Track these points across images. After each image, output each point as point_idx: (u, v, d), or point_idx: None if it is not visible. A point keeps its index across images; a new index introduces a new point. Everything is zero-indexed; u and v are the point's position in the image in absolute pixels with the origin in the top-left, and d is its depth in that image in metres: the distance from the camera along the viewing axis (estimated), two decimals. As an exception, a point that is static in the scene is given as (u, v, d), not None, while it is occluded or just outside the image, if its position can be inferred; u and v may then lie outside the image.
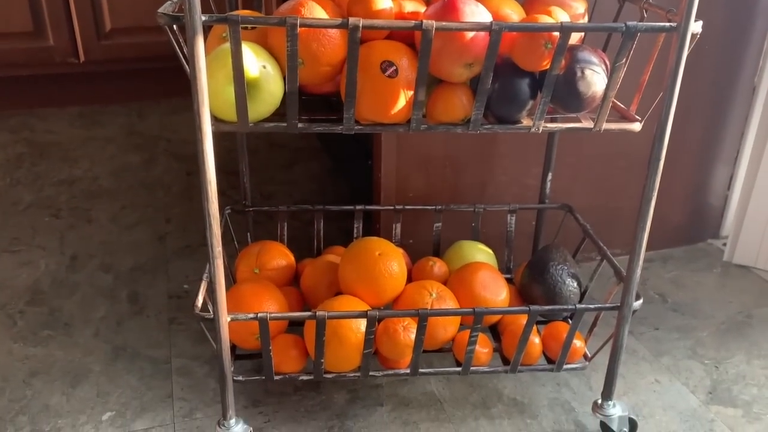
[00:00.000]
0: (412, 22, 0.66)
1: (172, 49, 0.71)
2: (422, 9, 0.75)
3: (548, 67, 0.70)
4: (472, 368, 0.88)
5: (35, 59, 1.85)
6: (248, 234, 1.07)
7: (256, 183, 1.57)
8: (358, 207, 1.05)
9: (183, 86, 0.66)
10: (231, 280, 1.00)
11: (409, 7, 0.75)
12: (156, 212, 1.45)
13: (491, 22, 0.66)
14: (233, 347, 0.90)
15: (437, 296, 0.88)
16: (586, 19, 0.83)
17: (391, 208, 1.06)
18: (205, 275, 0.86)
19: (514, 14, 0.76)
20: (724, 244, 1.33)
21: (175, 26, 0.66)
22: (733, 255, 1.30)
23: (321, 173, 1.65)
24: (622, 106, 0.82)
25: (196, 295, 0.84)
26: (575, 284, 0.94)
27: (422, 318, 0.81)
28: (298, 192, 1.56)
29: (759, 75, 1.24)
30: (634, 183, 1.26)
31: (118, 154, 1.71)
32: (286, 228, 1.05)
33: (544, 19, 0.70)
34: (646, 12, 0.80)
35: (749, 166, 1.26)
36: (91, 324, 1.10)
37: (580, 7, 0.82)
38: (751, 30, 1.20)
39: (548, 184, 1.08)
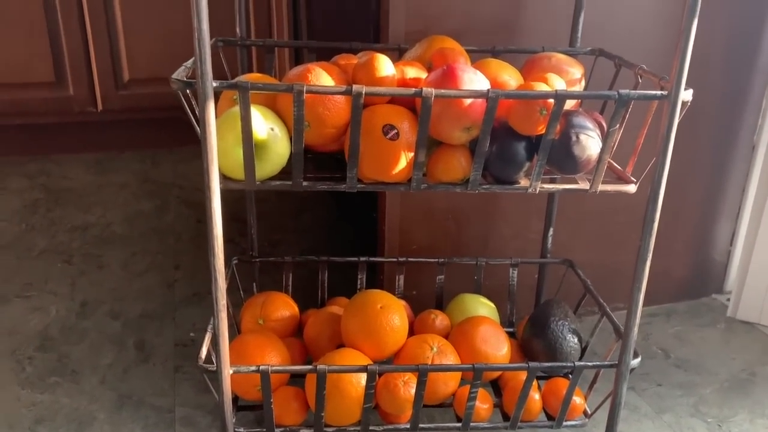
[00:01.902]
0: (413, 90, 0.70)
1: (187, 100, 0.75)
2: (423, 75, 0.79)
3: (544, 131, 0.73)
4: (472, 424, 0.89)
5: (55, 108, 1.91)
6: (254, 284, 1.09)
7: (265, 230, 1.59)
8: (362, 258, 1.07)
9: (196, 135, 0.69)
10: (236, 329, 1.02)
11: (411, 73, 0.78)
12: (166, 259, 1.47)
13: (488, 90, 0.70)
14: (235, 398, 0.91)
15: (438, 351, 0.90)
16: (582, 84, 0.86)
17: (395, 260, 1.08)
18: (209, 327, 0.88)
19: (512, 80, 0.80)
20: (728, 300, 1.34)
21: (187, 90, 0.69)
22: (737, 311, 1.30)
23: (328, 221, 1.67)
24: (618, 167, 0.85)
25: (201, 345, 0.86)
26: (576, 340, 0.95)
27: (422, 373, 0.82)
28: (305, 240, 1.58)
29: (758, 133, 1.27)
30: (635, 238, 1.26)
31: (132, 201, 1.75)
32: (291, 278, 1.07)
33: (540, 87, 0.73)
34: (641, 78, 0.84)
35: (750, 222, 1.27)
36: (98, 371, 1.11)
37: (577, 73, 0.85)
38: (750, 89, 1.23)
39: (549, 239, 1.10)
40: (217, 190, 0.70)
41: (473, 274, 1.09)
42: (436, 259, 1.08)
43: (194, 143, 2.29)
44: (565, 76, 0.83)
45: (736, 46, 1.19)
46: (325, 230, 1.63)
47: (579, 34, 0.98)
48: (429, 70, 0.81)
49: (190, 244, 1.54)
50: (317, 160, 0.87)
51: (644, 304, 0.82)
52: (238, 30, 0.96)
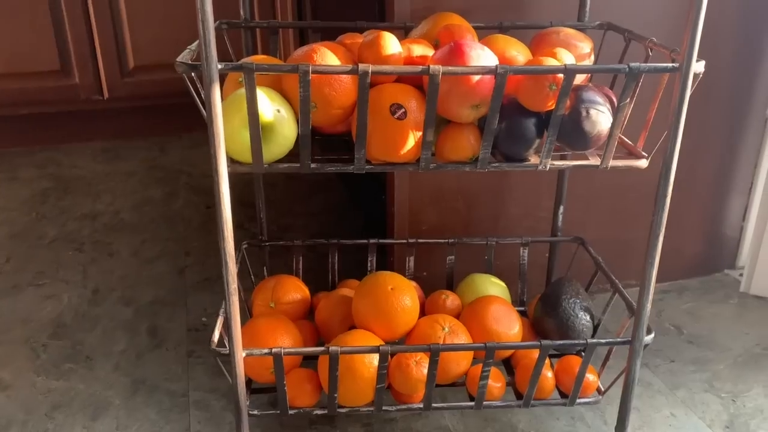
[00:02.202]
0: (419, 68, 0.69)
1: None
2: (430, 52, 0.78)
3: (553, 107, 0.72)
4: (485, 403, 0.89)
5: (61, 97, 1.91)
6: (264, 268, 1.09)
7: (274, 215, 1.59)
8: (372, 241, 1.07)
9: (203, 121, 0.69)
10: (247, 313, 1.02)
11: (418, 50, 0.77)
12: (176, 245, 1.48)
13: (496, 66, 0.69)
14: (249, 381, 0.92)
15: (450, 330, 0.89)
16: (592, 59, 0.85)
17: (404, 241, 1.08)
18: (221, 311, 0.88)
19: (520, 56, 0.79)
20: (741, 275, 1.33)
21: (193, 74, 0.69)
22: (750, 286, 1.29)
23: (337, 204, 1.67)
24: (629, 142, 0.83)
25: (213, 329, 0.86)
26: (588, 317, 0.95)
27: (434, 353, 0.82)
28: (315, 223, 1.58)
29: (771, 106, 1.25)
30: (646, 214, 1.25)
31: (140, 189, 1.75)
32: (301, 261, 1.07)
33: (549, 62, 0.72)
34: (651, 51, 0.82)
35: (763, 196, 1.25)
36: (111, 357, 1.12)
37: (586, 47, 0.84)
38: (762, 62, 1.21)
39: (560, 217, 1.09)
40: (224, 174, 0.69)
41: (484, 254, 1.09)
42: (446, 240, 1.07)
43: (201, 128, 2.29)
44: (574, 51, 0.82)
45: (749, 12, 1.17)
46: (334, 214, 1.63)
47: (587, 8, 0.96)
48: (436, 47, 0.80)
49: (200, 230, 1.54)
50: (325, 141, 0.86)
51: (656, 281, 0.81)
52: (242, 12, 0.95)
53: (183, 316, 1.23)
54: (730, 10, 1.15)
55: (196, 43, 0.76)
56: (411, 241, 1.07)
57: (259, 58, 0.80)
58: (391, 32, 0.89)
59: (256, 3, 1.92)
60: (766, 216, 1.25)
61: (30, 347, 1.14)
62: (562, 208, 1.08)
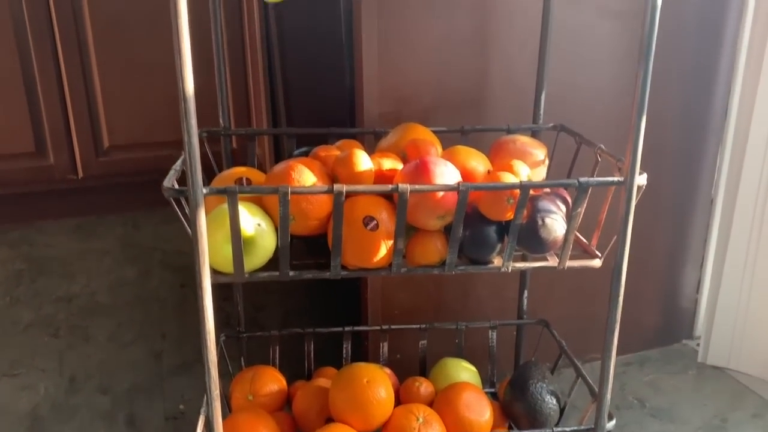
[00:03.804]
0: (389, 186, 0.75)
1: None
2: (399, 165, 0.84)
3: (512, 217, 0.78)
4: (459, 490, 0.92)
5: (36, 177, 1.94)
6: (242, 358, 1.12)
7: (249, 293, 1.62)
8: (347, 328, 1.11)
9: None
10: (225, 403, 1.05)
11: (387, 164, 0.84)
12: (152, 328, 1.50)
13: (459, 183, 0.75)
14: (229, 476, 0.94)
15: (424, 421, 0.93)
16: (546, 163, 0.92)
17: (378, 328, 1.12)
18: (202, 410, 0.91)
19: (480, 166, 0.86)
20: (698, 345, 1.40)
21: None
22: (707, 356, 1.36)
23: (312, 281, 1.71)
24: (584, 240, 0.90)
25: (194, 425, 0.88)
26: (554, 401, 1.00)
27: (409, 446, 0.86)
28: (289, 300, 1.61)
29: (715, 187, 1.34)
30: (605, 290, 1.33)
31: (115, 268, 1.77)
32: (278, 351, 1.11)
33: (506, 177, 0.79)
34: (600, 157, 0.90)
35: (714, 270, 1.34)
36: (89, 450, 1.13)
37: (540, 154, 0.91)
38: (706, 147, 1.31)
39: (525, 301, 1.15)
40: (208, 288, 0.74)
41: (454, 337, 1.14)
42: (419, 325, 1.12)
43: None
44: (530, 158, 0.89)
45: (690, 106, 1.27)
46: (309, 290, 1.66)
47: (542, 111, 1.05)
48: (404, 159, 0.86)
49: (175, 311, 1.56)
50: (302, 241, 0.91)
51: (618, 353, 0.86)
52: (221, 120, 1.01)
53: (161, 404, 1.24)
54: (673, 101, 1.25)
55: (179, 162, 0.81)
56: (384, 327, 1.11)
57: (240, 171, 0.85)
58: (361, 137, 0.96)
59: (231, 108, 1.98)
60: (717, 288, 1.33)
61: (6, 443, 1.15)
62: (526, 293, 1.14)
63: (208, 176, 0.83)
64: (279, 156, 1.69)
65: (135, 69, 1.96)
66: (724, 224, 1.30)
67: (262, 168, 0.98)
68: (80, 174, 1.98)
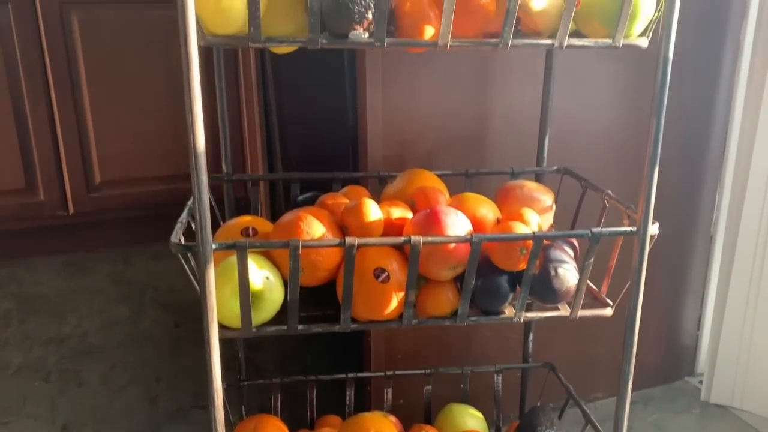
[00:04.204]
0: (402, 239, 0.74)
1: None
2: (408, 214, 0.83)
3: (525, 268, 0.77)
4: None
5: (25, 214, 1.90)
6: (243, 406, 1.09)
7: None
8: (350, 375, 1.09)
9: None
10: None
11: (396, 213, 0.83)
12: (146, 370, 1.46)
13: (471, 236, 0.74)
14: None
15: (433, 473, 0.91)
16: (553, 209, 0.92)
17: (382, 374, 1.10)
18: (206, 466, 0.88)
19: (490, 213, 0.85)
20: (701, 382, 1.39)
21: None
22: (710, 395, 1.35)
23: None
24: (593, 287, 0.89)
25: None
26: (563, 449, 0.98)
27: (420, 502, 0.83)
28: (288, 339, 1.59)
29: (714, 225, 1.35)
30: (609, 330, 1.32)
31: (107, 307, 1.74)
32: (279, 399, 1.08)
33: (517, 227, 0.78)
34: (607, 203, 0.89)
35: (716, 307, 1.33)
36: (84, 505, 1.09)
37: (548, 200, 0.91)
38: (703, 185, 1.32)
39: (530, 344, 1.13)
40: (216, 345, 0.72)
41: (459, 381, 1.12)
42: (423, 371, 1.10)
43: (165, 239, 2.29)
44: (537, 205, 0.89)
45: (688, 145, 1.28)
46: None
47: (545, 154, 1.04)
48: (412, 207, 0.85)
49: (170, 352, 1.53)
50: (311, 292, 0.89)
51: None
52: (224, 167, 1.00)
53: (157, 453, 1.21)
54: (672, 143, 1.25)
55: (184, 214, 0.80)
56: (388, 373, 1.09)
57: (245, 221, 0.84)
58: (366, 181, 0.95)
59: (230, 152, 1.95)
60: (720, 325, 1.32)
61: (-3, 498, 1.11)
62: (531, 336, 1.13)
63: (212, 224, 0.81)
64: (275, 199, 1.67)
65: (127, 104, 1.95)
66: (726, 261, 1.30)
67: (257, 211, 0.97)
68: (71, 210, 1.95)
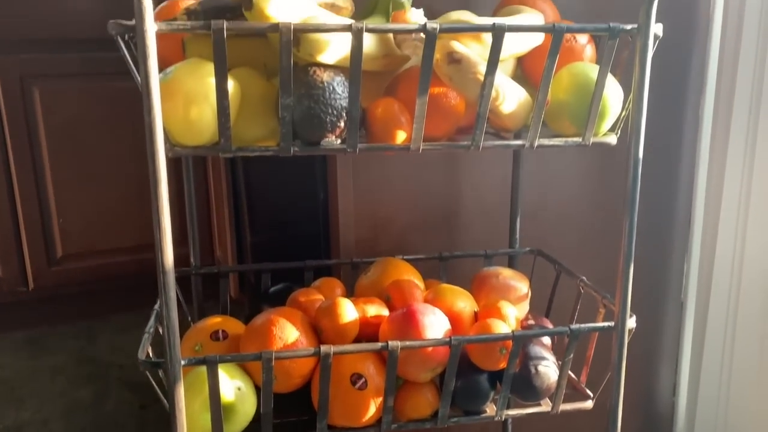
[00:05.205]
0: (379, 345, 0.72)
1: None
2: (384, 311, 0.82)
3: (505, 367, 0.76)
4: None
5: (-18, 292, 1.83)
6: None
7: None
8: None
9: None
10: None
11: (372, 310, 0.81)
12: (110, 460, 1.39)
13: (450, 338, 0.73)
14: None
15: None
16: (529, 296, 0.91)
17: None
18: None
19: (467, 307, 0.84)
20: (680, 450, 1.38)
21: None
22: (690, 465, 1.34)
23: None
24: (573, 377, 0.88)
25: None
26: None
27: None
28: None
29: (684, 292, 1.36)
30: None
31: (69, 389, 1.66)
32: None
33: (496, 325, 0.77)
34: (582, 289, 0.89)
35: (690, 375, 1.33)
36: None
37: (524, 288, 0.90)
38: (671, 257, 1.33)
39: (510, 427, 1.11)
40: (187, 464, 0.68)
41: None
42: None
43: (129, 311, 2.21)
44: (513, 294, 0.88)
45: (653, 218, 1.29)
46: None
47: (517, 235, 1.04)
48: (388, 303, 0.83)
49: (136, 438, 1.47)
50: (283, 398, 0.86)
51: None
52: (192, 259, 0.97)
53: None
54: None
55: (151, 322, 0.77)
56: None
57: (215, 322, 0.81)
58: (338, 268, 0.93)
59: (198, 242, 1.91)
60: (695, 394, 1.32)
61: None
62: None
63: (179, 319, 0.78)
64: (243, 285, 1.61)
65: (89, 173, 1.90)
66: (698, 328, 1.30)
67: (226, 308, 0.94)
68: (31, 285, 1.87)
